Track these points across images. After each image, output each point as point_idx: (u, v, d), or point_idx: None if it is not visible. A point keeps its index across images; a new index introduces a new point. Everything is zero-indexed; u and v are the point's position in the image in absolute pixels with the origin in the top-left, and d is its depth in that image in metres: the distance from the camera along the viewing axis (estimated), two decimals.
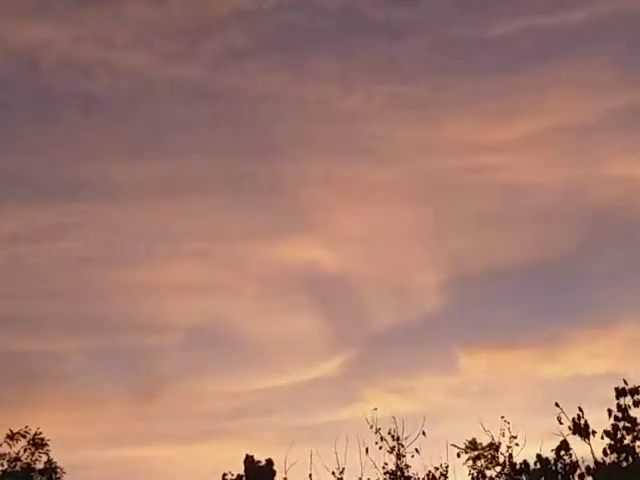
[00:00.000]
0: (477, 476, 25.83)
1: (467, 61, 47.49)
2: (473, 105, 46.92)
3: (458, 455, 25.94)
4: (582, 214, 47.17)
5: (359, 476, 24.61)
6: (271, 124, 47.33)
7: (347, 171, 47.80)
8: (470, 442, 26.40)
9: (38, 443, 24.78)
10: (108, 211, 47.21)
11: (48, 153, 47.12)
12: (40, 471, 24.65)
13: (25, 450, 24.96)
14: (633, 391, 25.64)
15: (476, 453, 26.22)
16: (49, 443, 25.09)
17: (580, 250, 47.15)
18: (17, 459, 24.77)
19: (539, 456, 25.67)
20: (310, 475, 24.58)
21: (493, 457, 25.84)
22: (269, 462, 31.37)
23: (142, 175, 47.58)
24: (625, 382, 25.87)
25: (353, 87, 47.72)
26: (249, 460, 31.58)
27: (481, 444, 26.37)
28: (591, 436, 25.42)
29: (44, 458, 24.86)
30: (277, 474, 30.50)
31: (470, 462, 26.23)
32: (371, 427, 24.63)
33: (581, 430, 25.35)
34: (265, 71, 47.14)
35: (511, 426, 25.59)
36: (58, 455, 25.18)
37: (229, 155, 48.40)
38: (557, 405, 25.63)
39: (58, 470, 24.65)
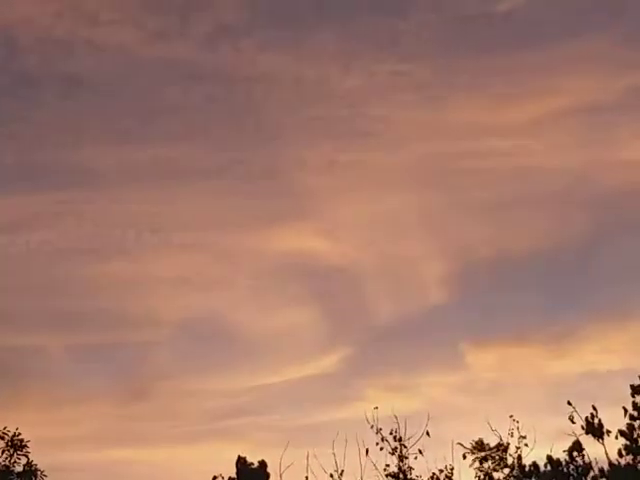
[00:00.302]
0: (484, 478, 25.60)
1: (474, 38, 47.00)
2: (480, 85, 46.57)
3: (464, 456, 25.75)
4: (596, 200, 46.86)
5: (359, 479, 24.40)
6: (266, 105, 47.03)
7: (347, 155, 47.51)
8: (477, 442, 26.18)
9: (17, 444, 24.62)
10: (92, 199, 46.94)
11: (27, 137, 46.83)
12: (19, 474, 24.45)
13: (3, 452, 24.81)
14: None
15: (483, 454, 26.01)
16: (29, 444, 24.90)
17: (594, 239, 46.94)
18: None
19: (550, 457, 25.38)
20: (307, 478, 24.32)
21: (501, 458, 25.61)
22: (262, 464, 31.21)
23: (129, 161, 47.30)
24: None
25: (353, 66, 47.32)
26: (241, 462, 31.42)
27: (488, 445, 26.18)
28: (605, 436, 25.22)
29: (23, 460, 24.70)
30: (271, 476, 30.35)
31: (477, 464, 26.04)
32: (371, 427, 24.36)
33: (594, 430, 25.13)
34: (260, 49, 46.67)
35: (520, 425, 25.36)
36: (38, 457, 25.02)
37: (222, 139, 48.13)
38: (569, 404, 25.41)
39: (38, 473, 24.42)
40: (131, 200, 47.11)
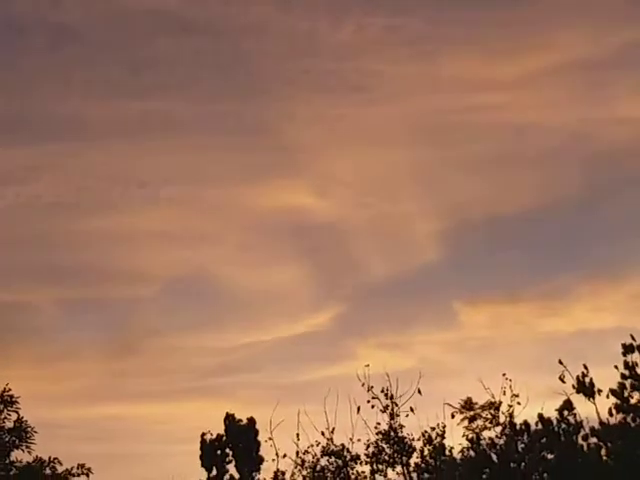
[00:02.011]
0: (473, 438, 25.84)
1: None
2: (474, 39, 46.45)
3: (452, 415, 25.89)
4: (591, 158, 47.05)
5: (350, 436, 24.79)
6: (256, 58, 46.95)
7: (337, 110, 47.49)
8: (465, 402, 26.26)
9: (7, 400, 24.62)
10: (81, 153, 46.86)
11: (14, 89, 46.66)
12: (9, 430, 24.51)
13: None
14: None
15: (472, 413, 26.13)
16: (19, 400, 24.97)
17: (588, 196, 47.16)
18: None
19: (541, 416, 25.72)
20: (297, 435, 24.77)
21: (493, 417, 25.78)
22: (251, 421, 31.52)
23: (117, 114, 47.22)
24: (633, 338, 25.98)
25: (343, 19, 47.12)
26: (229, 418, 31.73)
27: (477, 403, 26.30)
28: (596, 395, 25.59)
29: (13, 416, 24.75)
30: (260, 433, 30.74)
31: (466, 422, 26.16)
32: (363, 385, 24.72)
33: (585, 389, 25.50)
34: (249, 1, 46.58)
35: (513, 384, 25.48)
36: (28, 413, 25.14)
37: (210, 92, 48.07)
38: (560, 362, 25.75)
39: (29, 429, 24.49)
40: (119, 153, 47.16)
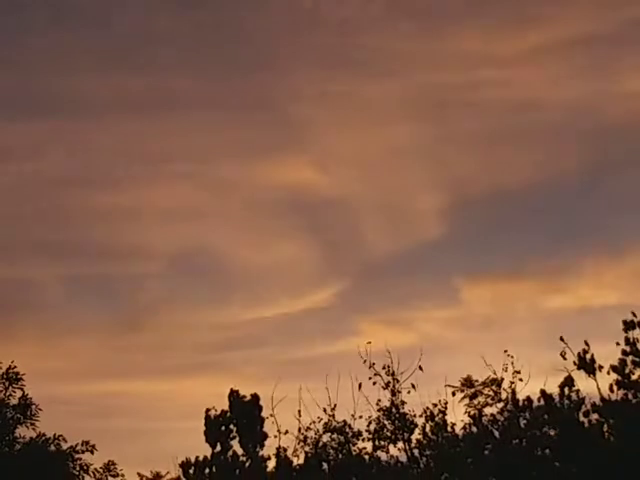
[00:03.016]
0: (475, 414, 25.99)
1: None
2: (478, 14, 46.33)
3: (453, 394, 25.97)
4: (595, 133, 46.94)
5: (351, 413, 24.97)
6: (258, 34, 46.84)
7: (341, 86, 47.45)
8: (465, 379, 26.37)
9: (12, 378, 24.74)
10: (83, 129, 46.90)
11: (16, 65, 46.62)
12: (14, 407, 24.65)
13: None
14: None
15: (472, 390, 26.25)
16: (24, 378, 25.08)
17: (591, 173, 47.12)
18: None
19: (543, 392, 25.88)
20: (299, 411, 24.97)
21: (495, 393, 25.92)
22: (255, 397, 31.69)
23: (120, 90, 47.19)
24: (634, 314, 26.08)
25: None
26: (234, 395, 31.91)
27: (477, 381, 26.44)
28: (597, 372, 25.75)
29: (18, 393, 24.88)
30: (264, 409, 30.94)
31: (467, 400, 26.27)
32: (364, 362, 24.86)
33: (586, 365, 25.66)
34: None
35: (514, 360, 25.54)
36: (31, 389, 25.28)
37: (214, 68, 48.06)
38: (562, 339, 25.90)
39: (33, 407, 24.63)
40: (123, 130, 47.18)
